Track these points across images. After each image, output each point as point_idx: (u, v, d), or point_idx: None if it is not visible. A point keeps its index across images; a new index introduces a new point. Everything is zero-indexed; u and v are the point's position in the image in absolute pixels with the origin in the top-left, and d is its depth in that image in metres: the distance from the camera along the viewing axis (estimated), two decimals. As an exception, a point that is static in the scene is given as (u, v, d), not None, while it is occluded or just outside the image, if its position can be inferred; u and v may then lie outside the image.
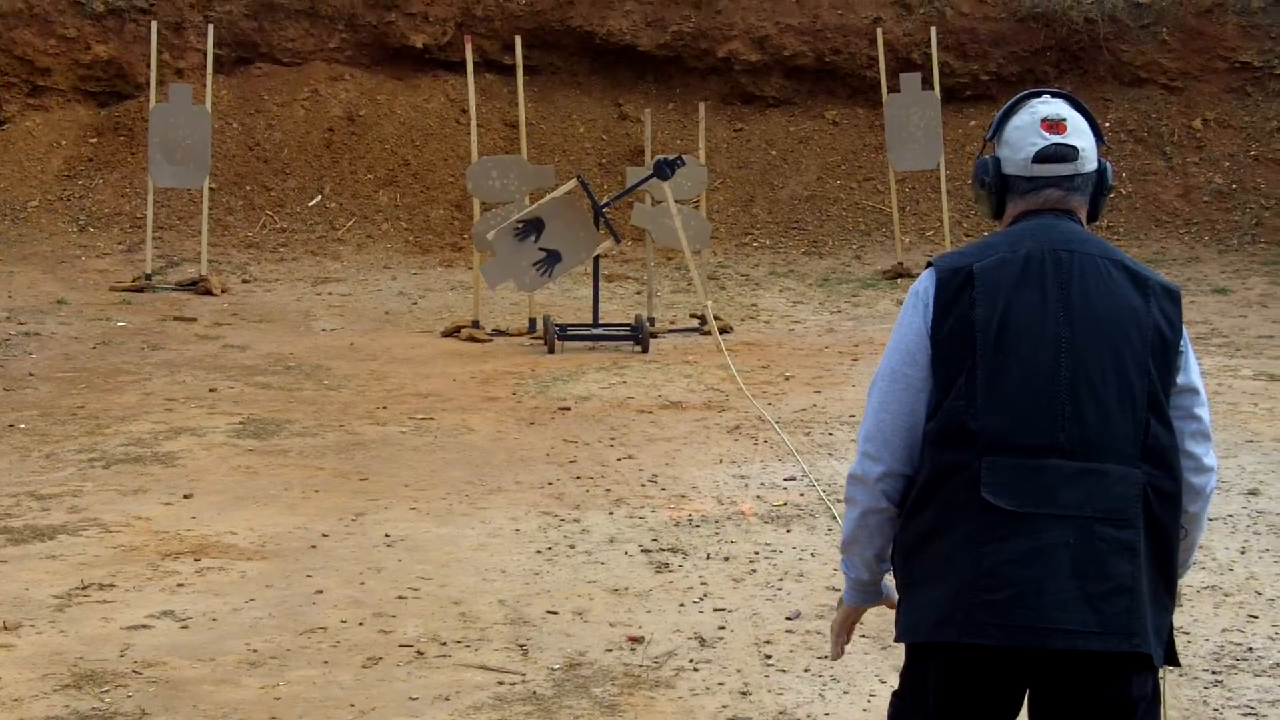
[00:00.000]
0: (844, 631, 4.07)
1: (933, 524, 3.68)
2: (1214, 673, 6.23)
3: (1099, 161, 3.86)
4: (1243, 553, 7.80)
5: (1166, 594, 3.68)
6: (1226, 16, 20.45)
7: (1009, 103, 3.94)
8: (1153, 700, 3.68)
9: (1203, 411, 3.75)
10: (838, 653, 4.13)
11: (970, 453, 3.62)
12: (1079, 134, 3.81)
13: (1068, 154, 3.79)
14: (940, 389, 3.69)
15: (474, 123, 15.02)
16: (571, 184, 14.02)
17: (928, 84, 17.70)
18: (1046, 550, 3.55)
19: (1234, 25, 20.42)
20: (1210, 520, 8.27)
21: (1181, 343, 3.71)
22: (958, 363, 3.67)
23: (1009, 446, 3.60)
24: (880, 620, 6.66)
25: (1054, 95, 3.89)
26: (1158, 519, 3.62)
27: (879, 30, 18.82)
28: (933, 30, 18.56)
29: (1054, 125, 3.80)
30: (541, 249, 13.61)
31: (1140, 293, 3.67)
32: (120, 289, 15.91)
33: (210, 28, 17.50)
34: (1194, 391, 3.74)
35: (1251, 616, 6.88)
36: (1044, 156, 3.79)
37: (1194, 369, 3.76)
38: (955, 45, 20.26)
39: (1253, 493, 8.88)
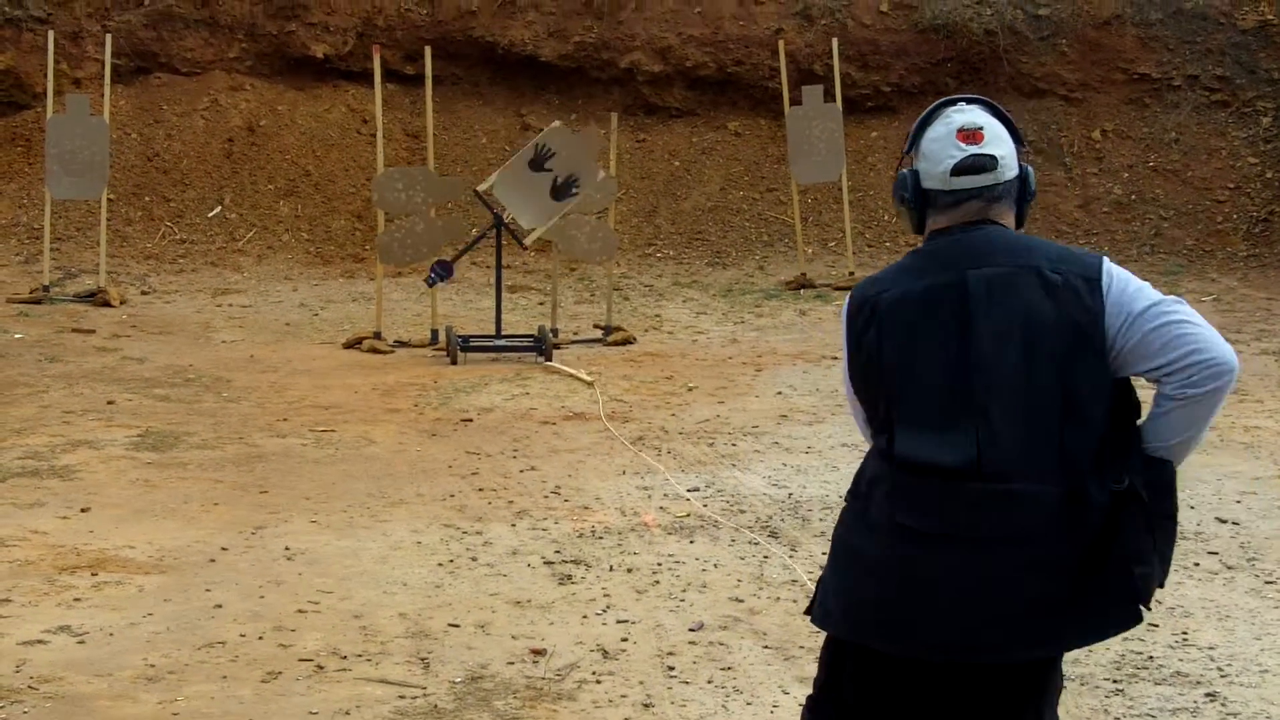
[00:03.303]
0: None
1: (858, 525, 3.77)
2: (1115, 681, 6.27)
3: (1020, 167, 3.81)
4: (1142, 560, 7.85)
5: (1139, 562, 3.64)
6: (1125, 28, 20.65)
7: (925, 113, 3.89)
8: (1054, 674, 3.80)
9: (1172, 310, 3.63)
10: None
11: (890, 471, 3.67)
12: (997, 141, 3.77)
13: (986, 164, 3.74)
14: (869, 413, 3.81)
15: (380, 133, 14.92)
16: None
17: (829, 96, 17.75)
18: (957, 571, 3.60)
19: (1132, 37, 20.62)
20: (1110, 528, 8.36)
21: (1103, 305, 3.62)
22: (873, 391, 3.74)
23: (923, 471, 3.62)
24: (783, 631, 6.68)
25: (969, 102, 3.84)
26: (1082, 525, 3.62)
27: (780, 41, 18.86)
28: (834, 41, 18.62)
29: (970, 135, 3.75)
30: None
31: (1052, 298, 3.63)
32: (17, 301, 15.70)
33: (108, 37, 17.33)
34: (1149, 307, 3.63)
35: (1151, 625, 6.91)
36: (962, 169, 3.74)
37: (1133, 291, 3.65)
38: (857, 56, 20.34)
39: (1152, 501, 8.93)
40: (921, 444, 3.62)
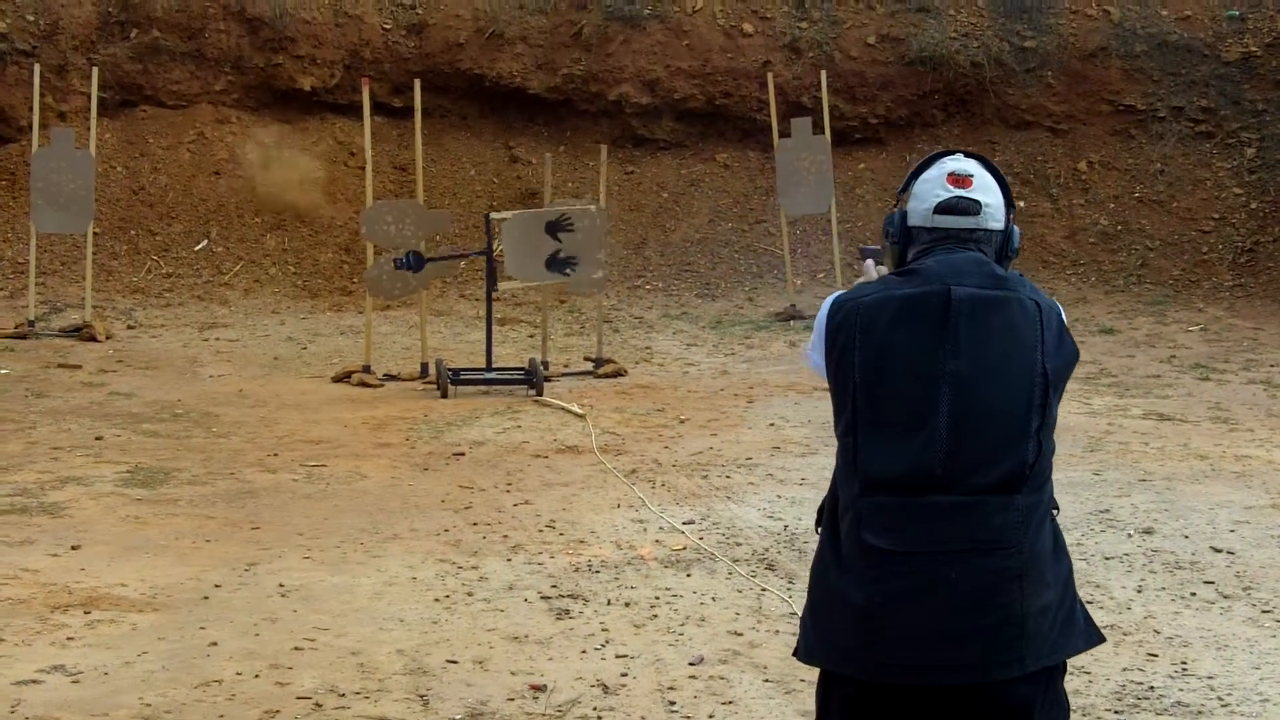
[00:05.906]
0: None
1: (830, 555, 3.75)
2: (1116, 712, 6.24)
3: (1007, 225, 3.88)
4: (1139, 591, 7.83)
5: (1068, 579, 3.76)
6: (1110, 60, 20.70)
7: (923, 160, 3.99)
8: (1055, 688, 3.74)
9: None
10: None
11: (856, 492, 3.67)
12: (985, 190, 3.85)
13: (970, 207, 3.82)
14: (836, 414, 3.78)
15: (368, 166, 14.90)
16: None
17: (818, 128, 17.77)
18: (927, 588, 3.60)
19: (1118, 69, 20.67)
20: (1106, 559, 8.36)
21: (1069, 343, 3.78)
22: (843, 397, 3.75)
23: (887, 485, 3.65)
24: (784, 664, 6.63)
25: (968, 155, 3.93)
26: (1042, 530, 3.67)
27: (769, 74, 18.89)
28: (822, 74, 18.65)
29: (960, 180, 3.84)
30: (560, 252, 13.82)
31: (1030, 323, 3.70)
32: (2, 335, 15.65)
33: (94, 71, 17.30)
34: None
35: (1151, 655, 6.90)
36: (945, 208, 3.83)
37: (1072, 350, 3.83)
38: (844, 89, 20.36)
39: (1147, 531, 8.93)
40: (884, 452, 3.64)
